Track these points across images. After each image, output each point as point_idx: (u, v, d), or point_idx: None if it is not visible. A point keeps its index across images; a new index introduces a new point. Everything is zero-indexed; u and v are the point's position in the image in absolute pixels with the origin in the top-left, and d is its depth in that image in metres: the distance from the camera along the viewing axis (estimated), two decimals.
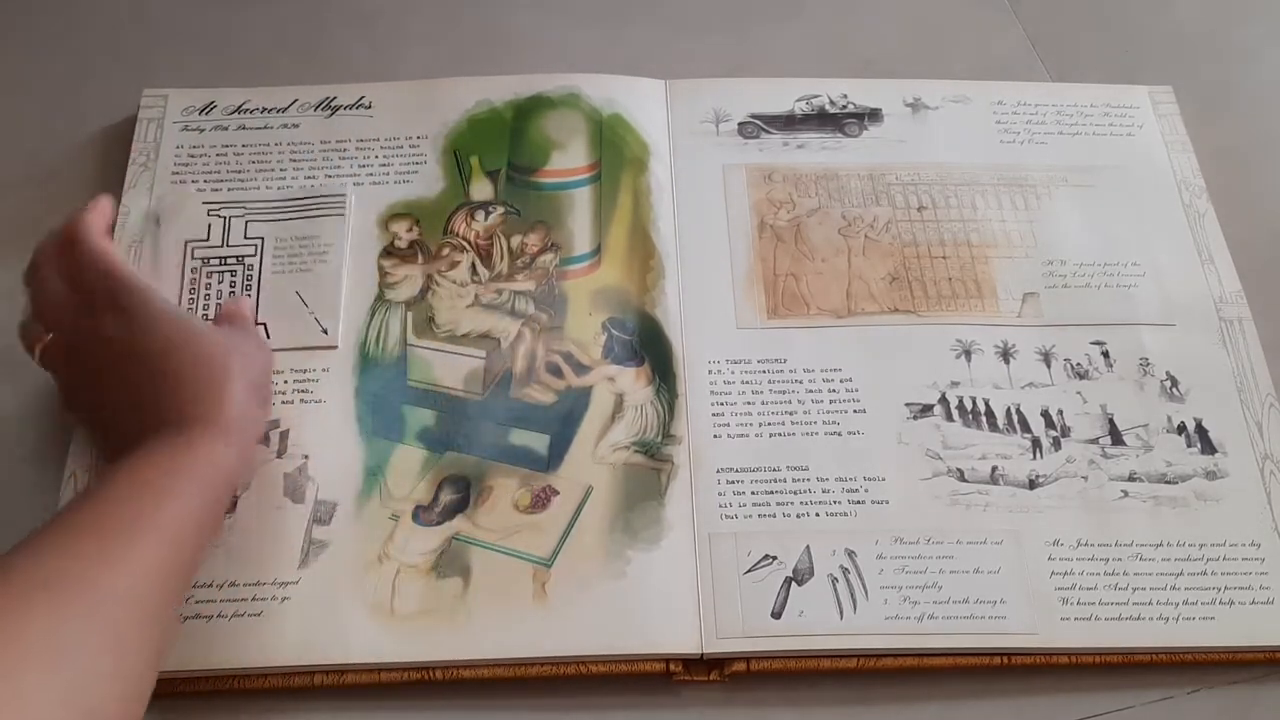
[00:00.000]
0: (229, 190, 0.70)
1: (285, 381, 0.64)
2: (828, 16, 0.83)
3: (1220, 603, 0.59)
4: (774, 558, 0.59)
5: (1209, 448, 0.63)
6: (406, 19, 0.80)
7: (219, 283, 0.67)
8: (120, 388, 0.54)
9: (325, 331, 0.65)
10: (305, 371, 0.64)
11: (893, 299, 0.67)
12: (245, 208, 0.69)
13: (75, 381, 0.57)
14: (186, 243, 0.68)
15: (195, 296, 0.66)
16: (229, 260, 0.67)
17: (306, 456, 0.62)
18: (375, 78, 0.76)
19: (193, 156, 0.71)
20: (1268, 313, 0.68)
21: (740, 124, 0.74)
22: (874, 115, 0.74)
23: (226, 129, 0.73)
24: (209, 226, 0.68)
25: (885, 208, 0.71)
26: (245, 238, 0.68)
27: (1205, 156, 0.74)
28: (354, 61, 0.78)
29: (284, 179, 0.71)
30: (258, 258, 0.67)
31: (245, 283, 0.66)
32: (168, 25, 0.80)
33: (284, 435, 0.63)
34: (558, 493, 0.61)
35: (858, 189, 0.71)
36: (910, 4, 0.84)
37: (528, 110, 0.74)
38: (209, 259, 0.67)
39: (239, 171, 0.71)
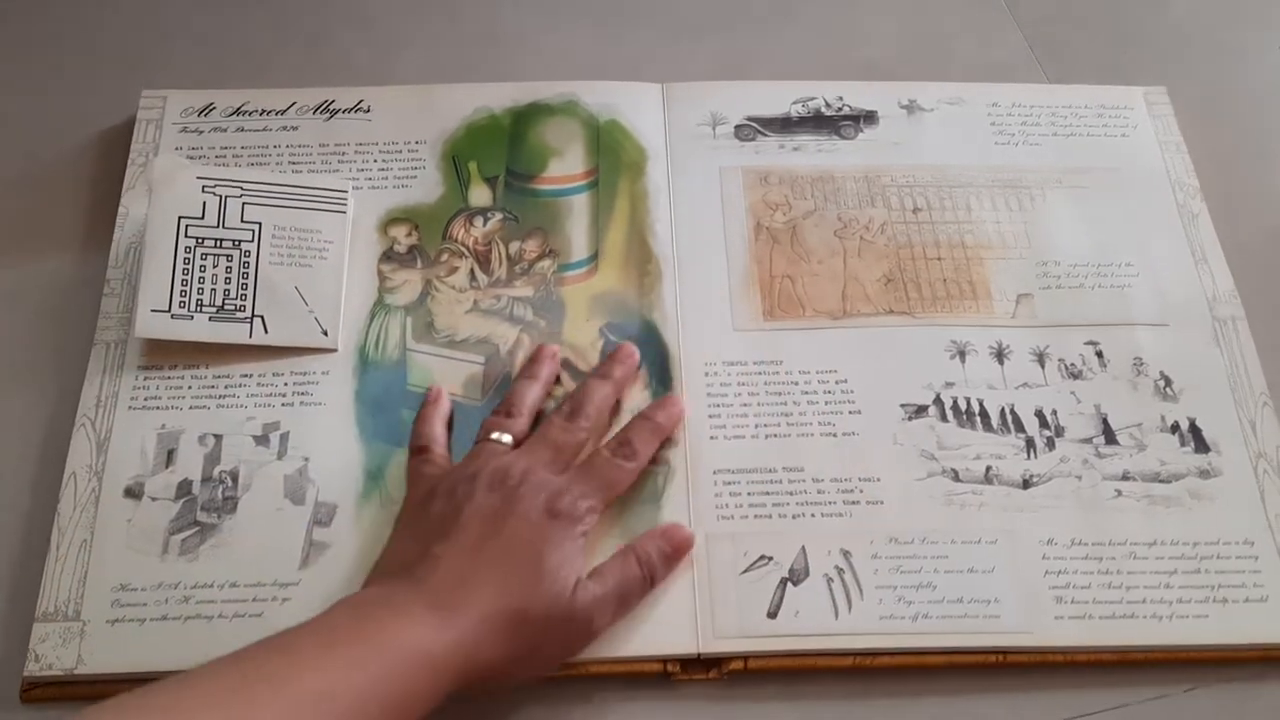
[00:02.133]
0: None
1: (285, 383, 0.65)
2: (827, 18, 0.83)
3: (1214, 601, 0.59)
4: (770, 558, 0.60)
5: (1203, 447, 0.64)
6: (405, 23, 0.81)
7: (214, 266, 0.66)
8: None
9: (325, 333, 0.66)
10: (305, 374, 0.65)
11: (888, 300, 0.68)
12: (242, 187, 0.68)
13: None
14: (180, 219, 0.66)
15: (189, 280, 0.65)
16: (225, 244, 0.66)
17: (306, 458, 0.62)
18: (374, 81, 0.76)
19: (191, 158, 0.72)
20: (1261, 312, 0.68)
21: (737, 126, 0.74)
22: (869, 117, 0.75)
23: (225, 130, 0.73)
24: (204, 204, 0.67)
25: (880, 209, 0.71)
26: (242, 220, 0.67)
27: (1199, 157, 0.75)
28: (353, 65, 0.78)
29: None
30: (255, 244, 0.67)
31: (242, 271, 0.66)
32: (167, 26, 0.80)
33: (284, 437, 0.63)
34: None
35: (853, 191, 0.72)
36: (908, 5, 0.85)
37: (526, 117, 0.74)
38: (204, 239, 0.66)
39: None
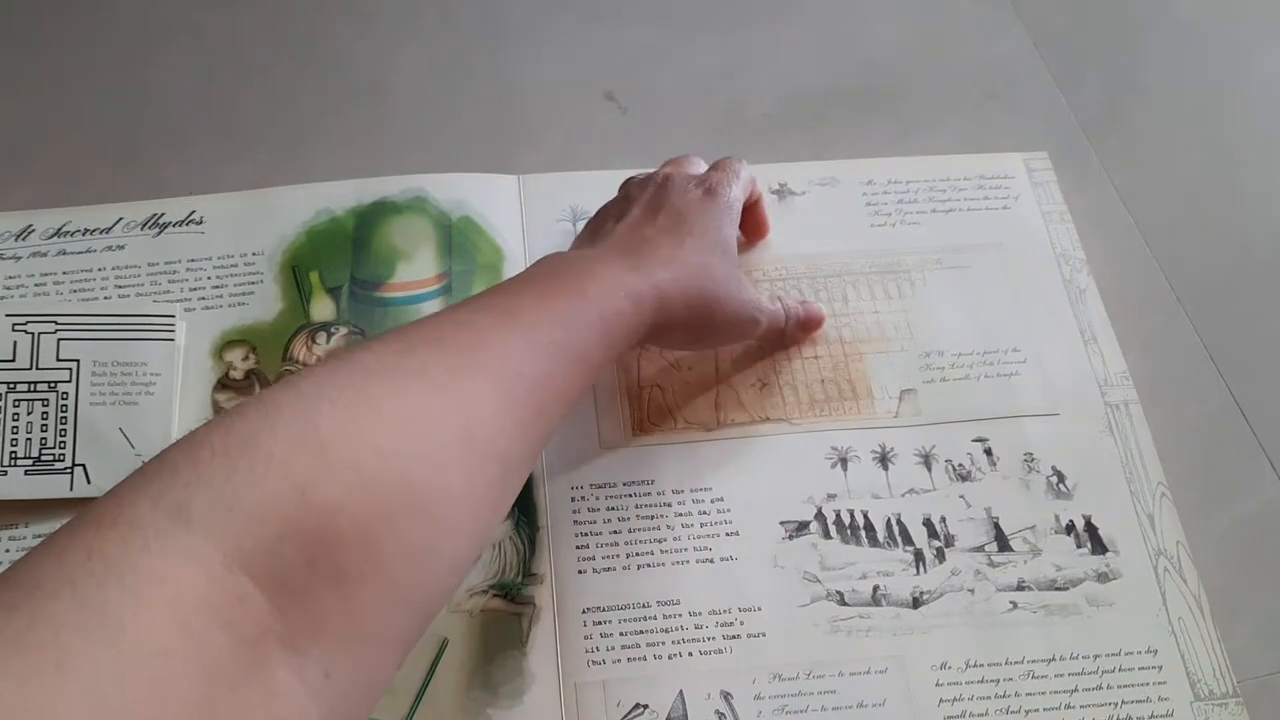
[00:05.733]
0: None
1: None
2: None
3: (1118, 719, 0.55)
4: (645, 706, 0.55)
5: (1099, 547, 0.60)
6: (234, 122, 0.75)
7: (28, 414, 0.61)
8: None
9: None
10: None
11: (763, 407, 0.64)
12: (56, 322, 0.62)
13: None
14: None
15: (1, 430, 0.60)
16: (39, 386, 0.61)
17: None
18: (206, 188, 0.70)
19: (8, 289, 0.66)
20: (1155, 393, 0.65)
21: None
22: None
23: (45, 255, 0.67)
24: (14, 345, 0.62)
25: None
26: (58, 359, 0.62)
27: (1084, 225, 0.71)
28: (184, 170, 0.72)
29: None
30: (73, 384, 0.61)
31: (60, 415, 0.61)
32: None
33: None
34: None
35: None
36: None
37: (370, 217, 0.69)
38: (15, 384, 0.61)
39: (60, 301, 0.66)
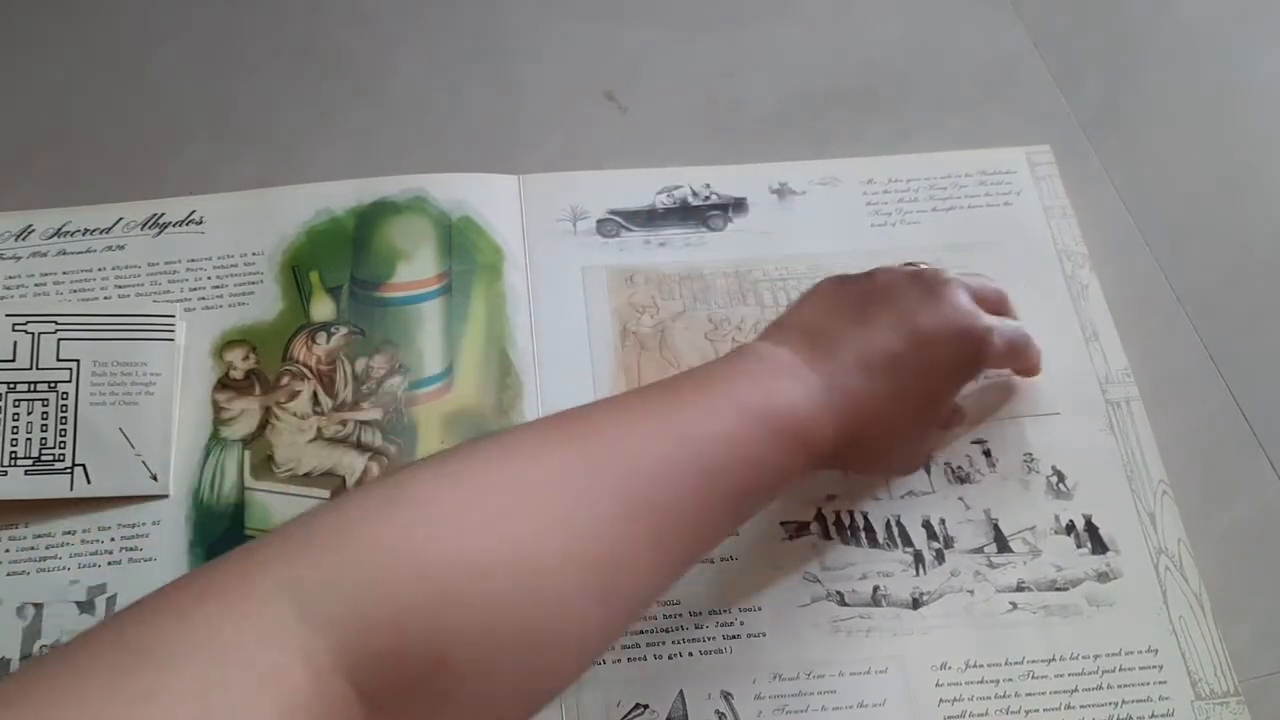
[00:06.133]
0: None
1: (112, 539, 0.59)
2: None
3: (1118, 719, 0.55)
4: (645, 706, 0.55)
5: (1100, 546, 0.60)
6: (234, 122, 0.75)
7: (28, 414, 0.61)
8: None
9: (155, 478, 0.60)
10: (134, 526, 0.60)
11: None
12: (56, 322, 0.62)
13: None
14: None
15: (1, 430, 0.60)
16: (39, 386, 0.61)
17: None
18: (206, 188, 0.70)
19: (8, 289, 0.66)
20: (1156, 391, 0.65)
21: (599, 221, 0.70)
22: (738, 205, 0.70)
23: (45, 255, 0.67)
24: (14, 345, 0.62)
25: (753, 307, 0.67)
26: (58, 359, 0.62)
27: (1087, 220, 0.71)
28: (184, 170, 0.72)
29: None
30: (73, 384, 0.61)
31: (60, 415, 0.61)
32: None
33: (111, 601, 0.58)
34: None
35: (723, 288, 0.67)
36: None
37: (371, 218, 0.69)
38: (15, 384, 0.61)
39: (60, 301, 0.65)
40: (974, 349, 0.55)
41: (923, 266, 0.59)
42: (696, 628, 0.57)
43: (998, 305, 0.60)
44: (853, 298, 0.55)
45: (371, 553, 0.37)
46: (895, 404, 0.53)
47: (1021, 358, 0.61)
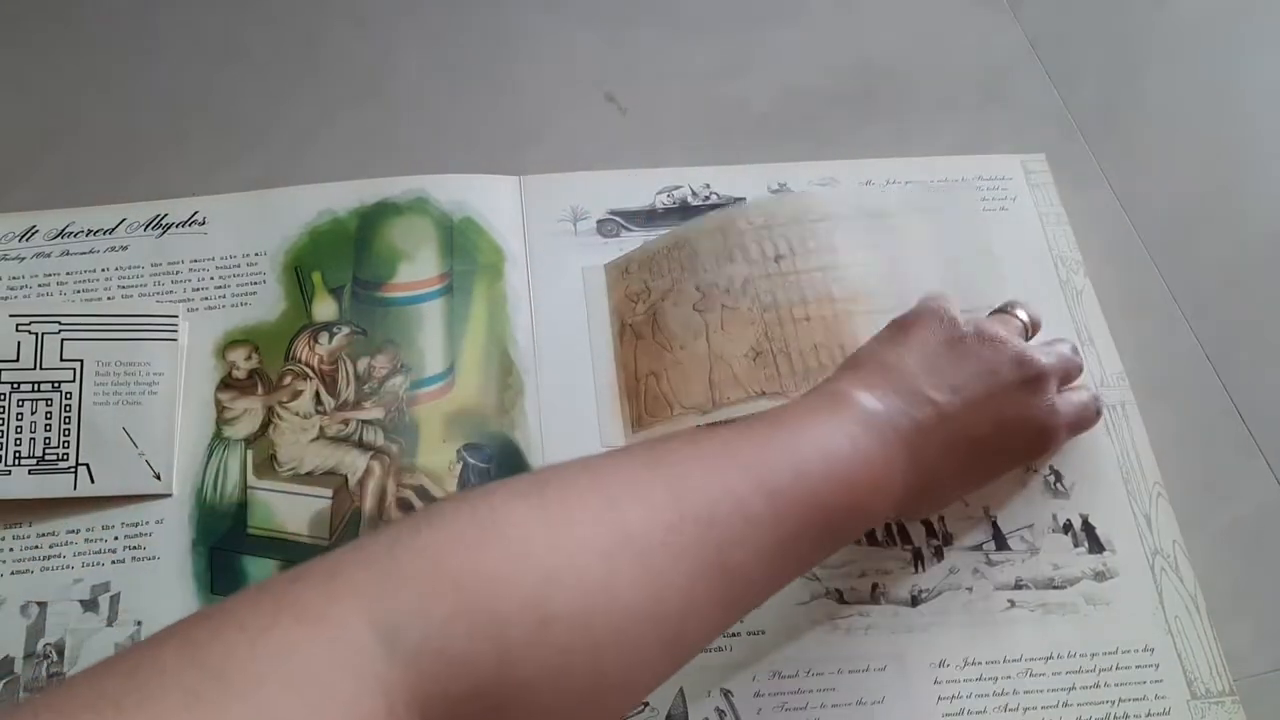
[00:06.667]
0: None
1: (115, 538, 0.60)
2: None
3: (1115, 718, 0.56)
4: (646, 704, 0.56)
5: (1096, 546, 0.61)
6: (236, 123, 0.76)
7: (32, 413, 0.61)
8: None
9: (158, 477, 0.61)
10: (137, 525, 0.60)
11: (758, 380, 0.63)
12: (60, 322, 0.63)
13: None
14: None
15: (5, 430, 0.60)
16: (43, 386, 0.61)
17: (140, 623, 0.58)
18: (209, 189, 0.71)
19: (11, 289, 0.66)
20: (1151, 394, 0.65)
21: (599, 221, 0.70)
22: (738, 206, 0.71)
23: (49, 255, 0.68)
24: (18, 345, 0.62)
25: (740, 264, 0.66)
26: (62, 359, 0.62)
27: (1081, 227, 0.71)
28: (187, 171, 0.72)
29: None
30: (77, 384, 0.62)
31: (64, 415, 0.61)
32: None
33: (114, 600, 0.58)
34: None
35: (709, 249, 0.67)
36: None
37: (373, 218, 0.69)
38: (19, 384, 0.61)
39: (64, 301, 0.66)
40: (1048, 442, 0.58)
41: (1019, 317, 0.61)
42: None
43: (1074, 375, 0.61)
44: (950, 358, 0.55)
45: (458, 588, 0.37)
46: (962, 478, 0.56)
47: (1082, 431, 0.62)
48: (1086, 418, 0.61)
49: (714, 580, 0.43)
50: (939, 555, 0.60)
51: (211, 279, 0.67)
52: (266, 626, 0.33)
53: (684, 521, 0.42)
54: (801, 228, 0.67)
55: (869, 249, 0.67)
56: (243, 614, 0.34)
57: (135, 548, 0.59)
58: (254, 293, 0.67)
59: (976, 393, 0.54)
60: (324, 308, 0.66)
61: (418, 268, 0.68)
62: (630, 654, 0.40)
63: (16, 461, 0.60)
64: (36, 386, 0.61)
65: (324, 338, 0.65)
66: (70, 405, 0.61)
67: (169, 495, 0.61)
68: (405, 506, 0.60)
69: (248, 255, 0.68)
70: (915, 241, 0.68)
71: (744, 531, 0.44)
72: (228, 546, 0.59)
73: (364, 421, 0.63)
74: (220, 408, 0.63)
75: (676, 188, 0.71)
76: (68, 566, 0.59)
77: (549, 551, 0.39)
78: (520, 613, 0.37)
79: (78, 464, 0.60)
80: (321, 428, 0.63)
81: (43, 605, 0.57)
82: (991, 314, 0.62)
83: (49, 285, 0.67)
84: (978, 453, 0.54)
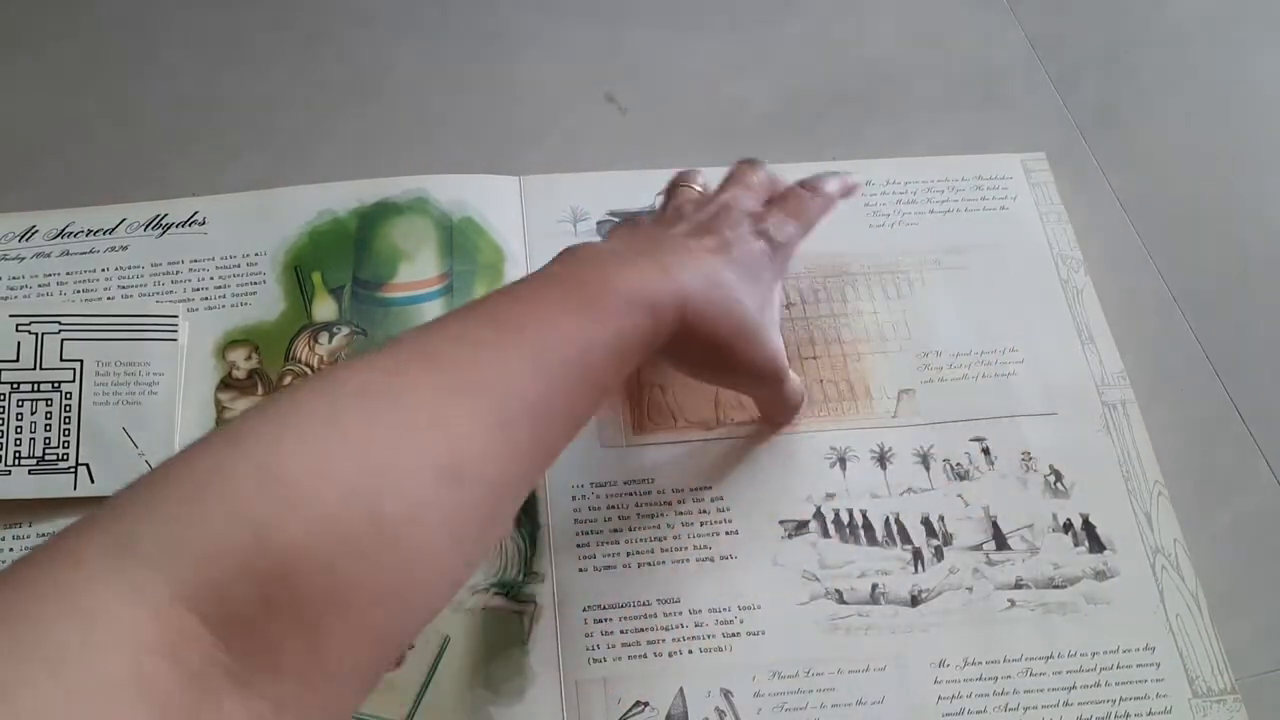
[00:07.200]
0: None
1: None
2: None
3: (1116, 717, 0.56)
4: (646, 704, 0.56)
5: (1097, 545, 0.61)
6: (236, 123, 0.76)
7: (32, 414, 0.61)
8: None
9: None
10: None
11: None
12: (60, 322, 0.63)
13: None
14: None
15: (5, 431, 0.60)
16: (43, 386, 0.61)
17: None
18: (209, 189, 0.71)
19: (12, 289, 0.66)
20: (1152, 392, 0.65)
21: (599, 222, 0.70)
22: None
23: (49, 255, 0.68)
24: (18, 345, 0.62)
25: None
26: (62, 359, 0.62)
27: (1082, 225, 0.72)
28: (187, 171, 0.72)
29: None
30: (76, 384, 0.62)
31: (64, 415, 0.61)
32: None
33: None
34: (412, 646, 0.57)
35: None
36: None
37: (373, 218, 0.69)
38: (19, 384, 0.61)
39: (64, 301, 0.66)
40: (772, 260, 0.58)
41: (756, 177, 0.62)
42: (696, 625, 0.58)
43: (773, 189, 0.62)
44: (699, 223, 0.57)
45: (204, 487, 0.37)
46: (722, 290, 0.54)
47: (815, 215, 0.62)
48: (801, 207, 0.60)
49: (475, 397, 0.43)
50: (939, 555, 0.60)
51: (211, 279, 0.67)
52: (26, 569, 0.34)
53: (418, 347, 0.44)
54: (814, 281, 0.68)
55: (881, 301, 0.68)
56: (14, 569, 0.34)
57: None
58: (254, 293, 0.67)
59: (700, 211, 0.58)
60: (324, 308, 0.66)
61: (418, 268, 0.68)
62: (401, 492, 0.39)
63: (16, 461, 0.60)
64: (36, 386, 0.61)
65: (324, 338, 0.65)
66: (70, 405, 0.61)
67: None
68: None
69: (248, 255, 0.68)
70: (930, 297, 0.69)
71: (502, 341, 0.45)
72: None
73: None
74: (220, 408, 0.63)
75: None
76: None
77: (279, 422, 0.39)
78: (256, 485, 0.37)
79: (78, 464, 0.60)
80: None
81: None
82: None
83: (49, 285, 0.67)
84: (718, 256, 0.54)
